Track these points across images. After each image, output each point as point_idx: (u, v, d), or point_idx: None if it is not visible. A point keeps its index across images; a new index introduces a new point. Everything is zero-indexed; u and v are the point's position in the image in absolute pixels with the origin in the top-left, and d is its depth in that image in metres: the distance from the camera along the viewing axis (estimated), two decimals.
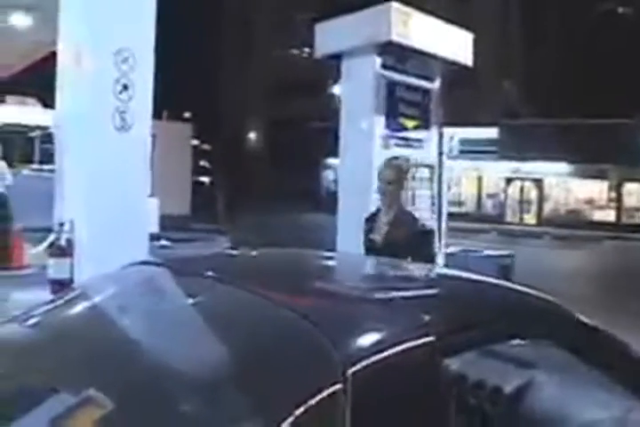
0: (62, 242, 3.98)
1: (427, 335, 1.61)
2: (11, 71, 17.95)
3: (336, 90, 32.07)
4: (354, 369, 1.45)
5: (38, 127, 15.02)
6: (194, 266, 2.32)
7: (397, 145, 5.60)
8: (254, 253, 2.61)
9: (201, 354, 1.68)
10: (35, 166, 14.94)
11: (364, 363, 1.47)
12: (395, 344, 1.55)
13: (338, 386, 1.41)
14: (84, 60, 3.83)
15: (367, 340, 1.58)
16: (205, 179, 36.51)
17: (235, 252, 2.89)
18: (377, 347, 1.54)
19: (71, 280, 3.84)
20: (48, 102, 15.70)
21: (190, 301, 2.05)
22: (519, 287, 2.17)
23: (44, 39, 14.66)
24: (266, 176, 31.87)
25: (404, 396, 1.49)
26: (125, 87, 3.79)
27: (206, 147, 38.67)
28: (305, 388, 1.43)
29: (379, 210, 4.42)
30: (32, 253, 4.04)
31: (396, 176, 4.29)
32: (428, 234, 4.49)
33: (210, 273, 2.07)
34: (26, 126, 15.24)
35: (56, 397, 1.66)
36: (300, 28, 26.78)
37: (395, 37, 5.13)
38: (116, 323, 2.08)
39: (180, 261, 2.53)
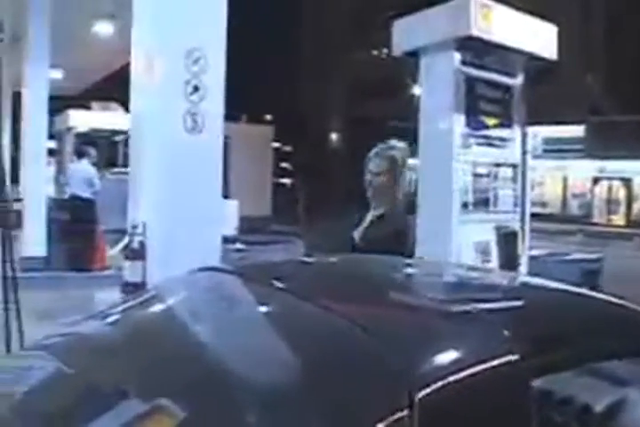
0: (135, 245, 3.95)
1: (510, 354, 1.44)
2: (95, 78, 18.46)
3: (415, 89, 31.77)
4: (422, 393, 1.27)
5: (121, 132, 15.33)
6: (263, 274, 2.22)
7: (478, 144, 5.36)
8: (326, 260, 2.49)
9: (255, 372, 1.55)
10: (117, 170, 15.25)
11: (434, 386, 1.29)
12: (472, 364, 1.37)
13: (403, 413, 1.25)
14: (155, 63, 3.79)
15: (439, 359, 1.41)
16: (287, 180, 36.75)
17: (307, 259, 2.78)
18: (451, 367, 1.36)
19: (144, 283, 3.81)
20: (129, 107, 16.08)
21: (255, 311, 1.94)
22: (612, 299, 1.96)
23: (126, 46, 15.02)
24: (346, 177, 31.78)
25: (482, 424, 1.32)
26: (196, 89, 3.73)
27: (287, 149, 38.93)
28: (364, 415, 1.27)
29: (368, 206, 4.04)
30: (110, 254, 4.04)
31: (386, 167, 3.90)
32: (401, 234, 3.88)
33: (278, 283, 1.95)
34: (110, 131, 15.58)
35: (125, 401, 1.57)
36: (379, 28, 26.61)
37: (475, 32, 4.92)
38: (183, 329, 1.99)
39: (249, 268, 2.43)
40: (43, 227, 11.05)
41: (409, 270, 2.45)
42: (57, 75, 15.49)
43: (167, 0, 3.80)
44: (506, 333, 1.54)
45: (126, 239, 4.01)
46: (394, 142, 4.17)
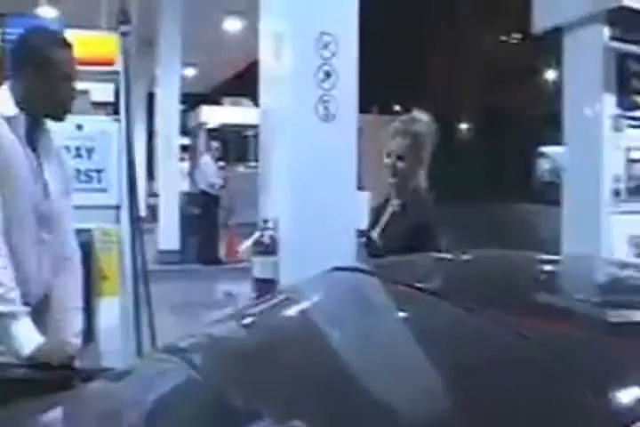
0: (266, 239, 3.83)
1: None
2: (226, 75, 18.82)
3: (550, 75, 30.53)
4: None
5: (251, 126, 15.55)
6: (401, 273, 2.00)
7: (631, 126, 4.90)
8: (469, 256, 2.23)
9: (409, 394, 1.30)
10: (249, 164, 15.47)
11: None
12: None
13: None
14: (284, 51, 3.65)
15: None
16: None
17: (446, 255, 2.53)
18: None
19: (274, 280, 3.68)
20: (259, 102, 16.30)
21: (406, 319, 1.71)
22: None
23: (256, 42, 15.17)
24: (477, 166, 31.02)
25: None
26: (328, 75, 3.55)
27: None
28: None
29: (387, 199, 3.36)
30: (242, 248, 3.95)
31: (409, 148, 3.17)
32: (428, 228, 3.12)
33: (423, 284, 1.73)
34: (240, 126, 15.82)
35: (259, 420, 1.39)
36: (510, 12, 25.67)
37: (626, 2, 4.47)
38: (322, 338, 1.80)
39: (387, 267, 2.21)
40: (176, 221, 11.32)
41: (576, 270, 2.12)
42: (189, 72, 15.87)
43: None
44: None
45: (257, 234, 3.91)
46: (416, 114, 3.39)
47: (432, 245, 3.07)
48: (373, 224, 3.37)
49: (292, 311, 2.02)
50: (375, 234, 3.31)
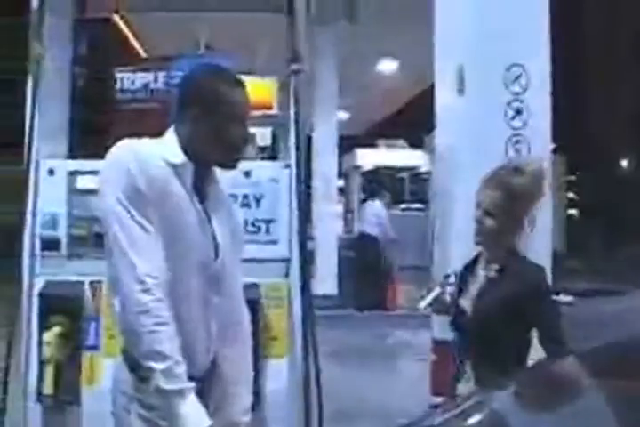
0: (447, 297, 3.44)
1: None
2: (379, 116, 18.73)
3: None
4: None
5: (407, 168, 15.32)
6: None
7: None
8: None
9: None
10: (404, 206, 15.14)
11: None
12: None
13: None
14: (467, 86, 3.30)
15: None
16: (573, 211, 34.63)
17: None
18: None
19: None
20: (415, 143, 15.97)
21: None
22: None
23: (408, 83, 15.08)
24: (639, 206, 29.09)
25: None
26: (519, 112, 3.15)
27: (572, 178, 36.78)
28: None
29: (477, 257, 2.84)
30: (420, 307, 3.57)
31: (501, 202, 2.63)
32: (545, 296, 2.65)
33: None
34: (396, 168, 15.59)
35: None
36: None
37: None
38: None
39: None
40: (334, 265, 11.13)
41: None
42: (343, 115, 15.88)
43: (479, 11, 3.29)
44: None
45: (437, 290, 3.53)
46: (523, 162, 2.78)
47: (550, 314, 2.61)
48: (460, 291, 2.87)
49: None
50: (465, 302, 2.79)
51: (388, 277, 11.36)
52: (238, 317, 2.31)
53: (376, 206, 11.83)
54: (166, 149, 2.12)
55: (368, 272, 11.19)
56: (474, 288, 2.79)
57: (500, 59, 3.17)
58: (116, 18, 6.64)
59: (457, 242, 3.48)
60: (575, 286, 8.45)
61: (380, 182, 14.57)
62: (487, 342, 2.71)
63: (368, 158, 16.07)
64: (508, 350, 2.67)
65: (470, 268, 2.86)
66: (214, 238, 2.17)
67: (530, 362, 2.67)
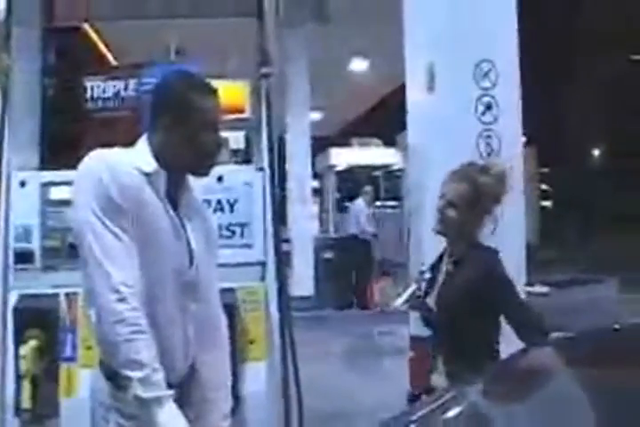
0: (423, 293, 3.45)
1: None
2: (352, 116, 18.76)
3: None
4: None
5: (381, 167, 15.42)
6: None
7: None
8: None
9: None
10: (379, 203, 15.19)
11: None
12: None
13: None
14: (437, 82, 3.31)
15: None
16: (546, 203, 34.87)
17: None
18: None
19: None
20: (388, 141, 16.02)
21: None
22: None
23: (379, 82, 15.10)
24: (611, 197, 29.41)
25: None
26: (489, 107, 3.16)
27: (544, 170, 37.04)
28: None
29: (442, 254, 2.88)
30: (396, 305, 3.58)
31: (464, 194, 2.67)
32: (501, 278, 2.66)
33: None
34: (370, 167, 15.65)
35: None
36: None
37: None
38: None
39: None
40: (310, 266, 11.11)
41: None
42: (315, 116, 15.88)
43: (448, 8, 3.30)
44: None
45: (413, 286, 3.53)
46: (490, 162, 2.85)
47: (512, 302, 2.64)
48: (428, 289, 2.89)
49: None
50: (431, 300, 2.83)
51: (373, 275, 11.36)
52: (216, 322, 2.30)
53: (358, 205, 11.83)
54: (138, 157, 2.10)
55: (352, 272, 11.19)
56: (437, 284, 2.84)
57: (470, 55, 3.18)
58: (86, 26, 6.58)
59: (430, 238, 3.48)
60: (550, 277, 8.51)
61: (355, 181, 14.62)
62: (455, 336, 2.72)
63: (342, 158, 16.10)
64: (475, 343, 2.68)
65: (436, 265, 2.90)
66: (188, 245, 2.15)
67: (502, 355, 2.68)
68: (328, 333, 8.96)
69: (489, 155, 3.18)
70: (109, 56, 7.55)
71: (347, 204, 13.59)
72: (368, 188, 12.36)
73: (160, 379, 1.94)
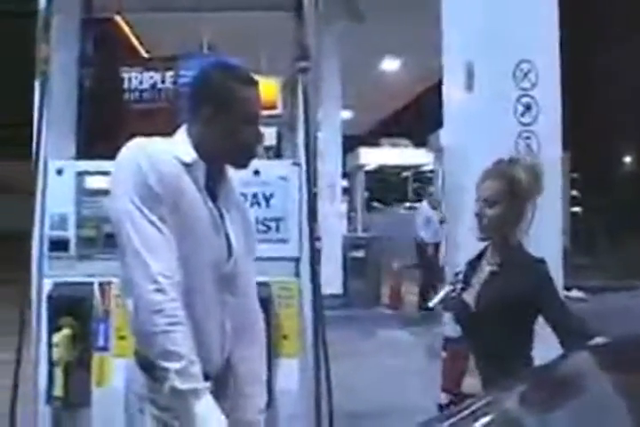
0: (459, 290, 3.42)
1: None
2: (383, 115, 18.70)
3: None
4: None
5: (410, 167, 15.36)
6: None
7: None
8: None
9: None
10: (408, 205, 15.16)
11: None
12: None
13: None
14: (475, 82, 3.27)
15: None
16: (576, 209, 34.50)
17: None
18: None
19: None
20: (418, 142, 15.97)
21: None
22: None
23: (411, 82, 15.03)
24: None
25: None
26: (528, 107, 3.12)
27: (574, 175, 36.60)
28: None
29: (482, 252, 2.81)
30: (430, 305, 3.55)
31: (502, 193, 2.60)
32: (549, 287, 2.58)
33: None
34: (399, 167, 15.62)
35: None
36: None
37: None
38: None
39: None
40: (339, 265, 11.10)
41: None
42: (346, 115, 15.87)
43: (488, 7, 3.27)
44: None
45: (448, 288, 3.50)
46: (522, 158, 2.84)
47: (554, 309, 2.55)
48: (465, 285, 2.82)
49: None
50: (469, 297, 2.75)
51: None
52: (253, 317, 2.29)
53: (424, 209, 10.82)
54: (178, 147, 2.09)
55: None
56: (477, 283, 2.77)
57: (509, 55, 3.15)
58: (118, 18, 6.62)
59: (468, 239, 3.45)
60: (582, 283, 8.42)
61: (384, 181, 14.56)
62: (490, 337, 2.67)
63: (372, 157, 16.09)
64: (509, 346, 2.64)
65: (474, 263, 2.84)
66: (227, 237, 2.14)
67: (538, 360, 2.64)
68: (357, 332, 8.94)
69: (528, 155, 3.14)
70: (140, 49, 7.56)
71: (375, 204, 13.50)
72: (432, 188, 11.70)
73: (197, 371, 1.93)
